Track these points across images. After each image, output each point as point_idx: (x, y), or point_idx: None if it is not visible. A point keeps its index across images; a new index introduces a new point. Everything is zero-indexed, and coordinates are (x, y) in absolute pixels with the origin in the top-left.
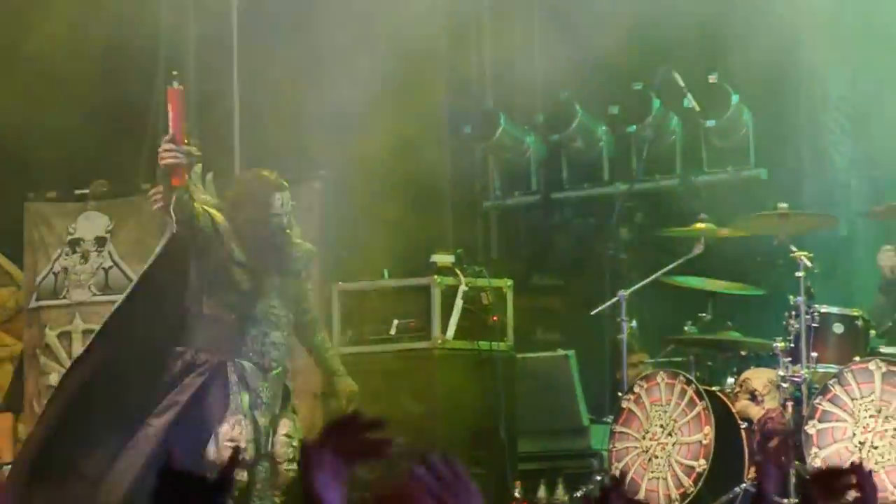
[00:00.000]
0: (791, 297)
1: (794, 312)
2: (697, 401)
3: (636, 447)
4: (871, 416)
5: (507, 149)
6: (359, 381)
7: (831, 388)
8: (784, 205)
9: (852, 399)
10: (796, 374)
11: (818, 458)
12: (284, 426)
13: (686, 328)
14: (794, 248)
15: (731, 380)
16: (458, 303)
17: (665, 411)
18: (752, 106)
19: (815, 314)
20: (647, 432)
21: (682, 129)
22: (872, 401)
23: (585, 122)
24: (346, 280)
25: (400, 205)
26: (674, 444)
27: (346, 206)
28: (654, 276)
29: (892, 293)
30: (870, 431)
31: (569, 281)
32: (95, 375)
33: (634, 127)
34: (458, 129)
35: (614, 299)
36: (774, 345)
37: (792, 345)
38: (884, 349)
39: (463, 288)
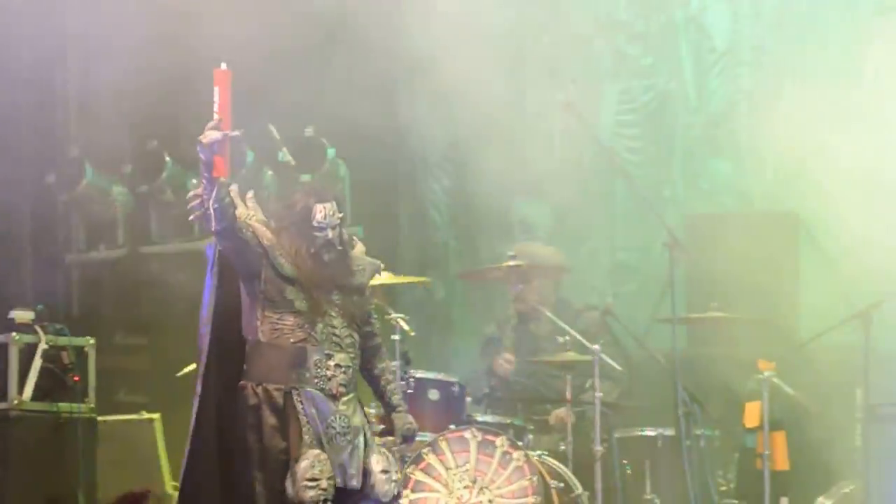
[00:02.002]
0: None
1: None
2: None
3: None
4: (465, 487)
5: (93, 200)
6: None
7: (424, 456)
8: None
9: (447, 469)
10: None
11: None
12: (379, 462)
13: None
14: (389, 311)
15: None
16: (37, 362)
17: None
18: (350, 161)
19: (411, 380)
20: None
21: (276, 183)
22: (467, 471)
23: (175, 172)
24: None
25: None
26: None
27: None
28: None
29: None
30: (464, 503)
31: (155, 340)
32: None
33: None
34: (41, 177)
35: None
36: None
37: None
38: (480, 417)
39: (42, 346)
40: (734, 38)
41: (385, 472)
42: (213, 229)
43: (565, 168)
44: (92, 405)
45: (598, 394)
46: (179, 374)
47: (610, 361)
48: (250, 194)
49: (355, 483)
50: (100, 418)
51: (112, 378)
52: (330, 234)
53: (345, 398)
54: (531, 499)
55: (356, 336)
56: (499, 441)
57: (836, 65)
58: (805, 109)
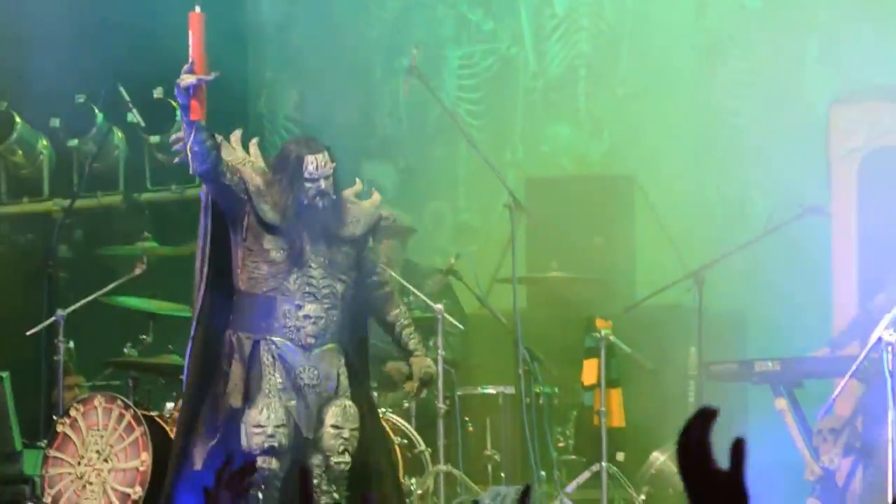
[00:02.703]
0: None
1: None
2: (135, 426)
3: (70, 473)
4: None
5: None
6: None
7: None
8: None
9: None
10: None
11: None
12: (332, 416)
13: (126, 350)
14: None
15: (170, 405)
16: None
17: (102, 436)
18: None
19: None
20: (83, 458)
21: (125, 145)
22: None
23: (25, 134)
24: None
25: None
26: (109, 471)
27: None
28: (93, 296)
29: None
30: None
31: (3, 299)
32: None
33: (76, 141)
34: None
35: (52, 319)
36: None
37: None
38: None
39: None
40: (573, 4)
41: (336, 427)
42: (194, 171)
43: (410, 131)
44: None
45: (441, 352)
46: (30, 333)
47: (452, 321)
48: (254, 140)
49: (309, 434)
50: None
51: None
52: (323, 184)
53: (318, 349)
54: None
55: (338, 287)
56: None
57: (671, 31)
58: (640, 75)
